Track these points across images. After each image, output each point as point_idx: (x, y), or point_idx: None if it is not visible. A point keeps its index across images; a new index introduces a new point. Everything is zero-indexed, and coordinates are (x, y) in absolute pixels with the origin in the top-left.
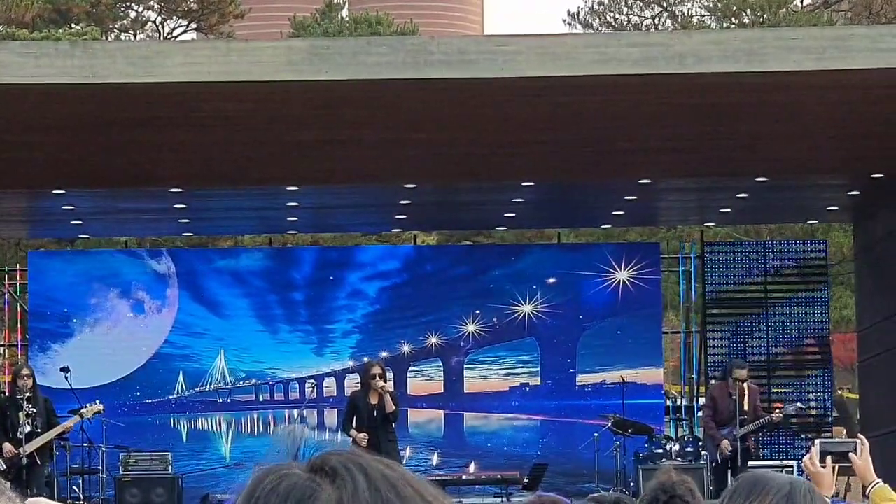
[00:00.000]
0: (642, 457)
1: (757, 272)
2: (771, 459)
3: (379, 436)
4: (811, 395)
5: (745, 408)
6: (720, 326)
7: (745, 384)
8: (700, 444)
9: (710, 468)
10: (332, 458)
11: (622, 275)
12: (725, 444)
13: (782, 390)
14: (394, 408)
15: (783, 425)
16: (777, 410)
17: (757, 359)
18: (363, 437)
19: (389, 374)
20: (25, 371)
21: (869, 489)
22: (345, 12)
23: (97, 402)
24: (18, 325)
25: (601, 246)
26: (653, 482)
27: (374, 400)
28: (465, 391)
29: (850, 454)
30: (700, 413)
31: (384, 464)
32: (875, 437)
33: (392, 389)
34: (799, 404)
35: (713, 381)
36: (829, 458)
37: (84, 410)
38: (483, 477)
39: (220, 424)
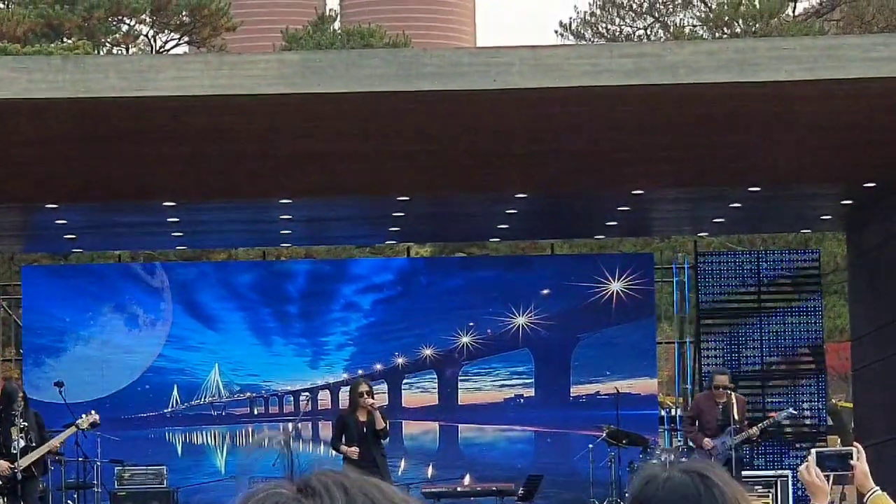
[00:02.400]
0: (637, 467)
1: (750, 282)
2: (766, 469)
3: (372, 452)
4: (805, 405)
5: (736, 416)
6: (714, 336)
7: (732, 393)
8: (694, 454)
9: None
10: (314, 477)
11: (616, 285)
12: (707, 441)
13: (776, 400)
14: (384, 425)
15: (779, 433)
16: (767, 420)
17: (751, 368)
18: (354, 451)
19: (383, 387)
20: (21, 393)
21: (867, 497)
22: (337, 25)
23: (92, 412)
24: (12, 340)
25: (595, 257)
26: None
27: (362, 417)
28: (459, 403)
29: (849, 460)
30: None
31: (371, 483)
32: (870, 446)
33: (380, 405)
34: (791, 410)
35: (699, 393)
36: (822, 469)
37: (79, 421)
38: (478, 489)
39: (215, 438)
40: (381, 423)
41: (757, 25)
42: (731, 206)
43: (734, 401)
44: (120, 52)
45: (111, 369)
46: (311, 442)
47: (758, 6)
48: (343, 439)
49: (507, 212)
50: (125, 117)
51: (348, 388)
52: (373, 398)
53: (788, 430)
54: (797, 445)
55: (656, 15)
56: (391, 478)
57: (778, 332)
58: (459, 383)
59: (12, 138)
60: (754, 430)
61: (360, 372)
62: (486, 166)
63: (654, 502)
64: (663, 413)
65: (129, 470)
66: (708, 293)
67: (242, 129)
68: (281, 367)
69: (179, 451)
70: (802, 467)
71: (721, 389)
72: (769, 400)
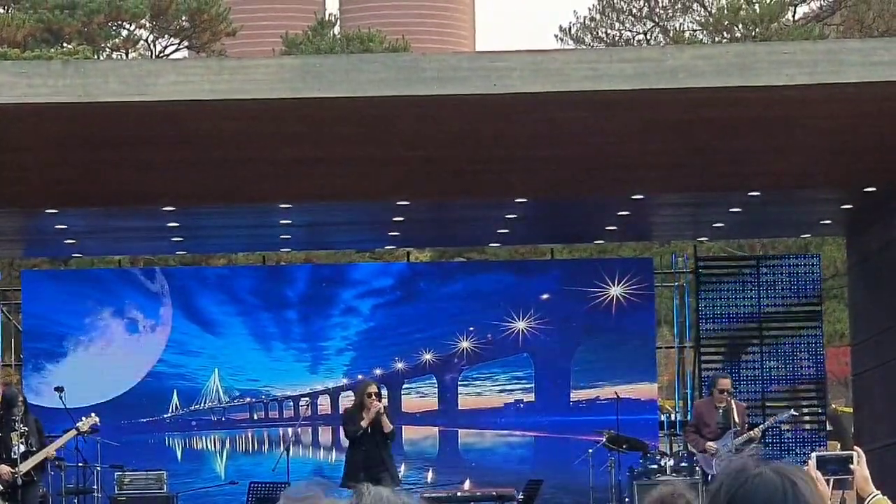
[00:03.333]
0: (637, 472)
1: (750, 287)
2: None
3: (380, 452)
4: (805, 410)
5: (737, 420)
6: (714, 341)
7: (731, 399)
8: (694, 459)
9: (704, 483)
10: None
11: (616, 290)
12: (710, 445)
13: (776, 405)
14: (392, 427)
15: (779, 438)
16: (769, 420)
17: (750, 373)
18: (376, 405)
19: (383, 391)
20: (21, 399)
21: (867, 501)
22: (336, 29)
23: (92, 414)
24: (12, 345)
25: (594, 262)
26: (654, 494)
27: (367, 418)
28: (459, 408)
29: (850, 464)
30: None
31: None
32: (870, 451)
33: (385, 404)
34: (792, 411)
35: (698, 399)
36: (822, 473)
37: (80, 424)
38: (478, 494)
39: (214, 443)
40: (388, 426)
41: (757, 30)
42: (731, 210)
43: (734, 405)
44: (120, 56)
45: (111, 374)
46: (310, 447)
47: (758, 10)
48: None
49: (507, 217)
50: (125, 122)
51: (349, 392)
52: (381, 400)
53: (788, 434)
54: (797, 451)
55: (656, 19)
56: (399, 478)
57: (778, 336)
58: (459, 388)
59: (12, 143)
60: (756, 431)
61: (359, 376)
62: (486, 171)
63: (740, 493)
64: (663, 418)
65: (129, 475)
66: (708, 298)
67: (242, 133)
68: (281, 372)
69: (179, 457)
70: None
71: (723, 393)
72: (769, 405)
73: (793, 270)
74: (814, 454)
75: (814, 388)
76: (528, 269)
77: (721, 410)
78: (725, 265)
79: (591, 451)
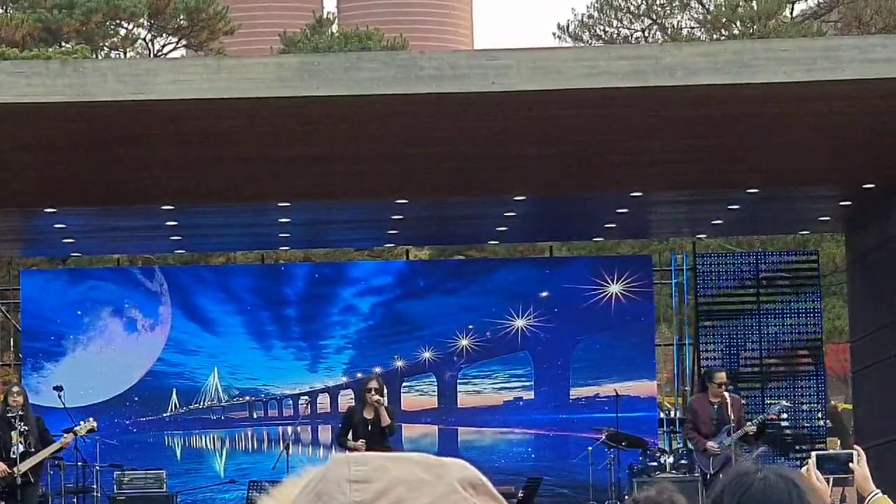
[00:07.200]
0: (636, 470)
1: (749, 283)
2: None
3: (378, 447)
4: (804, 406)
5: (732, 415)
6: (713, 338)
7: (726, 393)
8: (693, 456)
9: (703, 481)
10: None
11: (614, 288)
12: (711, 445)
13: (776, 401)
14: (389, 421)
15: (779, 435)
16: (762, 415)
17: (750, 370)
18: (360, 444)
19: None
20: (16, 388)
21: (868, 500)
22: (335, 28)
23: (91, 419)
24: (11, 344)
25: (593, 259)
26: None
27: (368, 414)
28: (458, 406)
29: (850, 463)
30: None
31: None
32: (869, 448)
33: (386, 403)
34: (784, 402)
35: (693, 395)
36: (822, 472)
37: (78, 428)
38: None
39: (214, 442)
40: (385, 420)
41: (754, 27)
42: (730, 207)
43: (728, 400)
44: (118, 55)
45: (110, 373)
46: (310, 446)
47: (755, 7)
48: (350, 435)
49: (506, 214)
50: (123, 121)
51: (349, 390)
52: (382, 395)
53: (788, 432)
54: (797, 447)
55: (654, 17)
56: None
57: (777, 333)
58: (458, 386)
59: (10, 142)
60: (750, 427)
61: (358, 375)
62: (484, 169)
63: (746, 497)
64: (662, 415)
65: (128, 474)
66: (706, 295)
67: (241, 132)
68: (280, 371)
69: (179, 456)
70: (803, 470)
71: (720, 387)
72: (768, 401)
73: (791, 266)
74: (814, 453)
75: (813, 384)
76: (526, 266)
77: (716, 406)
78: (724, 262)
79: (590, 448)
